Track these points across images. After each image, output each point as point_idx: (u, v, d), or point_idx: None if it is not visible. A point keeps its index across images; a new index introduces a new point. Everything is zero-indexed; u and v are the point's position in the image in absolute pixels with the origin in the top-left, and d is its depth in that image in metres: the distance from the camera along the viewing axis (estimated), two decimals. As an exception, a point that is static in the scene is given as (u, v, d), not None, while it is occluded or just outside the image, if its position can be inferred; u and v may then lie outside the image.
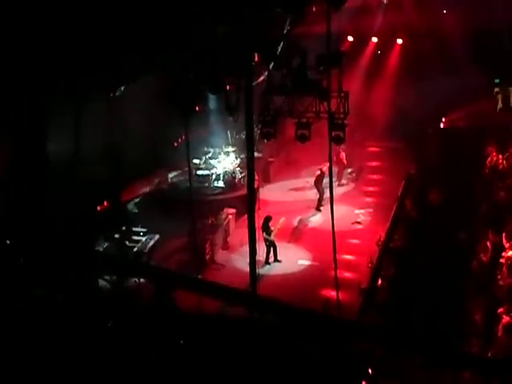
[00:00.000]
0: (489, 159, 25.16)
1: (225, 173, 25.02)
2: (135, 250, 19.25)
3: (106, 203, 20.33)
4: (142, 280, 16.61)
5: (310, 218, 23.25)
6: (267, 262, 20.20)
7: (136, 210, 23.78)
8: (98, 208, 20.40)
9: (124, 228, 19.80)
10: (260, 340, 12.78)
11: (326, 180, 23.51)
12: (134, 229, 20.15)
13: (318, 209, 23.98)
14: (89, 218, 18.24)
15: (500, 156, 24.53)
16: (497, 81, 31.31)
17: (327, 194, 23.01)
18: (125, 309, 13.52)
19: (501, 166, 24.05)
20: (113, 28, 11.81)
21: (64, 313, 10.99)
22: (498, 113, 30.16)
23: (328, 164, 23.46)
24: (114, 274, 15.97)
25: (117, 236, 19.32)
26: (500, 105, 30.69)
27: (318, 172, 24.25)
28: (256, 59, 16.75)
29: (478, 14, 26.25)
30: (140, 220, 21.40)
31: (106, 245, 18.88)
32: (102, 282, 15.76)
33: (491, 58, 29.18)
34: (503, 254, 18.15)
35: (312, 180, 25.27)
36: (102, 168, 18.64)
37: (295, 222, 23.07)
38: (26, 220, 12.63)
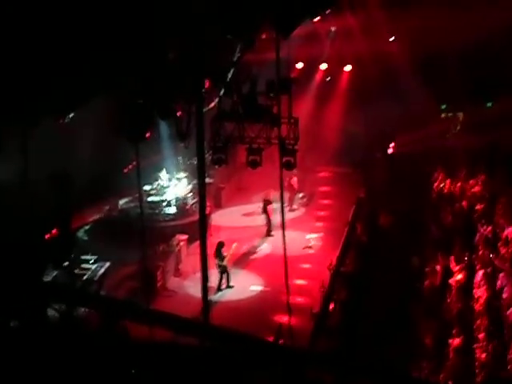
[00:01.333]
0: (436, 184, 25.60)
1: (176, 199, 24.90)
2: (85, 278, 18.94)
3: (54, 231, 19.98)
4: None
5: (261, 244, 23.25)
6: (219, 289, 20.11)
7: (86, 238, 23.45)
8: (47, 236, 20.05)
9: (73, 256, 19.46)
10: (213, 369, 12.66)
11: (273, 206, 23.58)
12: (84, 257, 19.84)
13: (268, 234, 23.98)
14: (37, 246, 17.89)
15: (448, 180, 24.97)
16: (443, 106, 32.00)
17: (276, 219, 23.17)
18: (74, 338, 13.26)
19: (447, 191, 24.48)
20: (63, 52, 11.70)
21: (14, 341, 10.72)
22: (446, 137, 30.76)
23: (270, 191, 23.75)
24: (63, 304, 15.66)
25: (66, 264, 18.97)
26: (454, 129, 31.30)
27: (261, 203, 24.35)
28: (207, 85, 16.80)
29: (425, 40, 26.83)
30: (90, 248, 21.08)
31: (54, 273, 18.52)
32: (50, 312, 15.44)
33: (438, 83, 29.81)
34: (452, 277, 18.40)
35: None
36: (50, 195, 18.34)
37: (247, 248, 23.04)
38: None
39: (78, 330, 14.40)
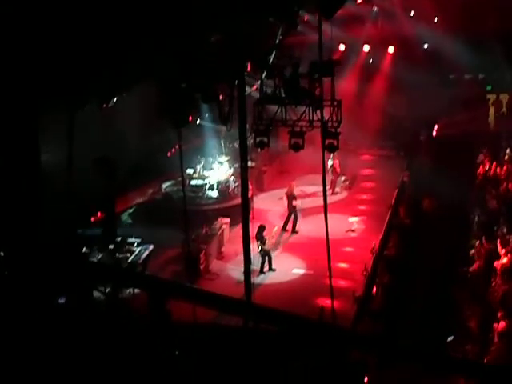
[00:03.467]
0: (481, 166, 25.27)
1: (219, 182, 25.00)
2: (129, 260, 19.19)
3: (99, 214, 20.28)
4: (136, 291, 16.59)
5: (303, 227, 23.19)
6: (262, 272, 20.17)
7: (130, 221, 23.74)
8: (92, 219, 20.36)
9: (118, 239, 19.75)
10: (256, 349, 12.76)
11: (298, 201, 23.29)
12: (128, 239, 20.09)
13: (293, 231, 23.09)
14: (83, 229, 18.20)
15: (494, 163, 24.63)
16: (489, 87, 31.51)
17: (318, 202, 22.98)
18: (120, 320, 13.49)
19: (492, 173, 24.15)
20: (105, 38, 11.82)
21: (61, 322, 10.97)
22: (491, 120, 30.33)
23: (293, 184, 23.50)
24: (109, 285, 15.92)
25: (111, 247, 19.27)
26: (492, 112, 30.87)
27: (286, 194, 23.56)
28: (248, 68, 16.81)
29: (470, 20, 26.43)
30: (134, 230, 21.36)
31: (100, 256, 18.82)
32: (96, 294, 15.72)
33: (483, 65, 29.37)
34: (497, 260, 18.20)
35: (306, 189, 25.33)
36: (95, 179, 18.61)
37: (289, 231, 23.03)
38: (19, 231, 12.59)
39: (124, 311, 14.66)
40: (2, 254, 12.51)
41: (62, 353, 10.65)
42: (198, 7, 13.04)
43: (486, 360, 14.99)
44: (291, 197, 23.17)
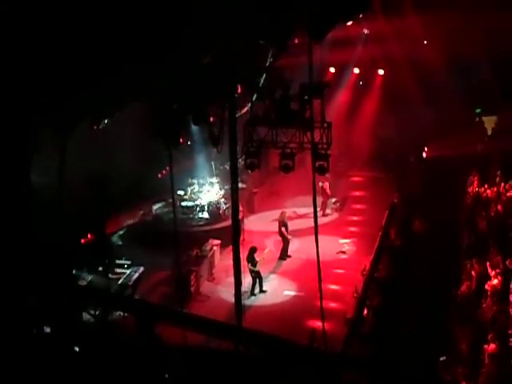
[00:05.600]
0: (471, 188, 25.35)
1: (209, 204, 25.01)
2: (120, 282, 19.11)
3: (90, 235, 20.23)
4: (126, 313, 16.50)
5: (294, 249, 23.17)
6: (253, 293, 20.12)
7: (120, 242, 23.68)
8: (82, 240, 20.30)
9: (108, 260, 19.68)
10: (246, 373, 12.68)
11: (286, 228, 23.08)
12: (119, 261, 20.04)
13: (282, 257, 22.75)
14: (73, 251, 18.13)
15: (485, 185, 24.72)
16: (478, 110, 31.73)
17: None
18: (109, 342, 13.39)
19: (484, 195, 24.22)
20: (97, 60, 11.86)
21: (50, 346, 10.88)
22: (480, 141, 30.50)
23: (285, 212, 23.45)
24: (98, 308, 15.81)
25: (101, 269, 19.19)
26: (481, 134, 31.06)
27: (278, 221, 23.34)
28: (239, 90, 16.87)
29: (458, 44, 26.65)
30: (124, 252, 21.30)
31: (89, 278, 18.73)
32: (86, 316, 15.60)
33: (472, 87, 29.57)
34: (488, 282, 18.20)
35: (297, 210, 25.37)
36: (86, 200, 18.59)
37: (279, 253, 22.99)
38: (8, 252, 12.52)
39: (113, 333, 14.55)
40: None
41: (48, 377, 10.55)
42: (190, 30, 13.11)
43: (476, 382, 14.96)
44: (282, 224, 23.09)
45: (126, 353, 12.06)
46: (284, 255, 22.76)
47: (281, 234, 22.93)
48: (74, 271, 18.18)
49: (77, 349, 11.30)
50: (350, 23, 23.99)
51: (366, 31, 28.77)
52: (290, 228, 23.27)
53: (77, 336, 11.99)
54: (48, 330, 11.94)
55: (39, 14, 10.38)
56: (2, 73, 10.64)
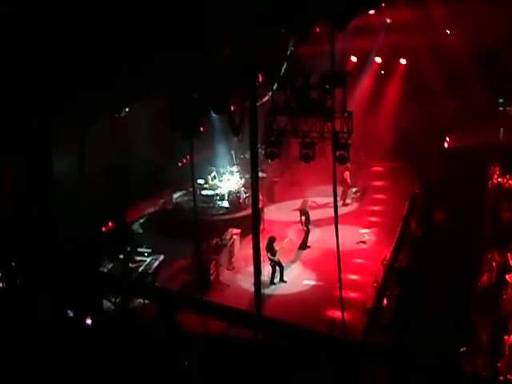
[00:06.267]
0: (493, 178, 25.16)
1: (229, 193, 25.02)
2: (140, 270, 19.21)
3: (110, 224, 20.34)
4: (147, 301, 16.59)
5: (314, 239, 23.14)
6: (272, 283, 20.13)
7: (141, 231, 23.78)
8: (103, 229, 20.41)
9: (129, 249, 19.79)
10: (265, 361, 12.71)
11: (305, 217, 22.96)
12: (139, 249, 20.13)
13: (302, 247, 22.67)
14: (94, 239, 18.25)
15: (507, 176, 24.52)
16: (501, 100, 31.41)
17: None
18: (129, 330, 13.48)
19: (506, 186, 24.03)
20: (118, 49, 11.89)
21: (72, 332, 10.99)
22: (502, 132, 30.23)
23: (308, 200, 23.37)
24: (119, 296, 15.93)
25: (121, 257, 19.30)
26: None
27: (299, 210, 23.17)
28: (260, 80, 16.84)
29: (482, 33, 26.38)
30: (145, 240, 21.39)
31: (110, 266, 18.85)
32: (106, 304, 15.73)
33: (495, 77, 29.27)
34: (509, 273, 18.10)
35: (317, 200, 25.28)
36: (106, 188, 18.67)
37: (299, 242, 22.96)
38: (31, 241, 12.63)
39: (134, 321, 14.66)
40: (13, 263, 12.56)
41: (70, 362, 10.65)
42: (211, 20, 13.10)
43: (496, 373, 14.89)
44: (303, 213, 23.04)
45: (147, 340, 12.15)
46: (304, 245, 22.74)
47: (302, 223, 22.89)
48: (95, 259, 18.33)
49: (97, 335, 11.41)
50: (372, 12, 23.99)
51: (388, 20, 28.52)
52: (310, 218, 23.20)
53: (99, 322, 12.11)
54: (71, 314, 12.05)
55: (62, 7, 10.45)
56: (23, 67, 10.72)
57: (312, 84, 16.33)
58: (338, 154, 16.02)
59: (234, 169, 26.00)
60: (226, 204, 24.82)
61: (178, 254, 20.95)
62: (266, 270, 19.18)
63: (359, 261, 21.52)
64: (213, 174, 25.69)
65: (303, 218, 22.84)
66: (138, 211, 23.83)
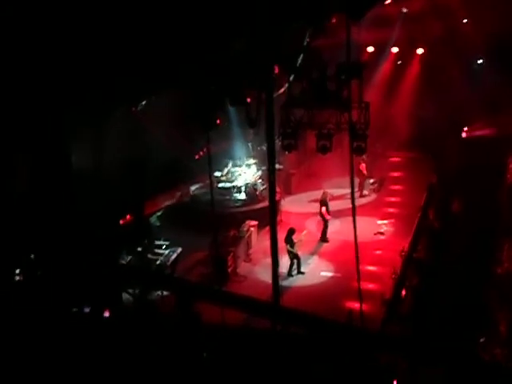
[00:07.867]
0: (510, 168, 25.00)
1: (246, 185, 25.04)
2: (158, 262, 19.31)
3: (128, 217, 20.45)
4: (164, 293, 16.68)
5: (332, 230, 23.11)
6: (290, 274, 20.16)
7: (158, 224, 23.87)
8: (121, 221, 20.53)
9: (146, 241, 19.89)
10: (283, 352, 12.76)
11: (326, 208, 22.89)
12: (157, 242, 20.23)
13: (322, 239, 22.70)
14: (112, 232, 18.36)
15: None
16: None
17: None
18: (148, 321, 13.57)
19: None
20: (135, 42, 11.93)
21: (91, 324, 11.09)
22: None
23: (327, 192, 23.27)
24: (138, 287, 16.03)
25: (139, 249, 19.41)
26: None
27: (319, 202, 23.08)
28: (276, 71, 16.82)
29: (499, 22, 26.12)
30: (162, 233, 21.49)
31: (128, 258, 18.96)
32: (125, 296, 15.83)
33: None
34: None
35: (334, 192, 25.24)
36: (124, 181, 18.76)
37: (317, 234, 22.96)
38: (50, 233, 12.73)
39: (152, 313, 14.75)
40: (32, 256, 12.67)
41: (90, 354, 10.74)
42: (226, 11, 13.11)
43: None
44: (323, 204, 23.00)
45: (166, 332, 12.23)
46: (324, 237, 22.70)
47: (321, 214, 22.85)
48: (113, 251, 18.45)
49: (116, 326, 11.50)
50: (388, 1, 23.84)
51: (404, 10, 28.33)
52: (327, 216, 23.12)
53: (118, 315, 12.20)
54: (87, 310, 12.14)
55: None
56: (44, 61, 10.79)
57: (328, 75, 16.28)
58: (355, 145, 15.98)
59: (251, 161, 26.01)
60: (243, 196, 24.85)
61: (195, 247, 21.04)
62: (284, 261, 19.20)
63: (377, 252, 21.49)
64: (230, 167, 25.72)
65: (323, 208, 22.78)
66: (155, 204, 23.92)
